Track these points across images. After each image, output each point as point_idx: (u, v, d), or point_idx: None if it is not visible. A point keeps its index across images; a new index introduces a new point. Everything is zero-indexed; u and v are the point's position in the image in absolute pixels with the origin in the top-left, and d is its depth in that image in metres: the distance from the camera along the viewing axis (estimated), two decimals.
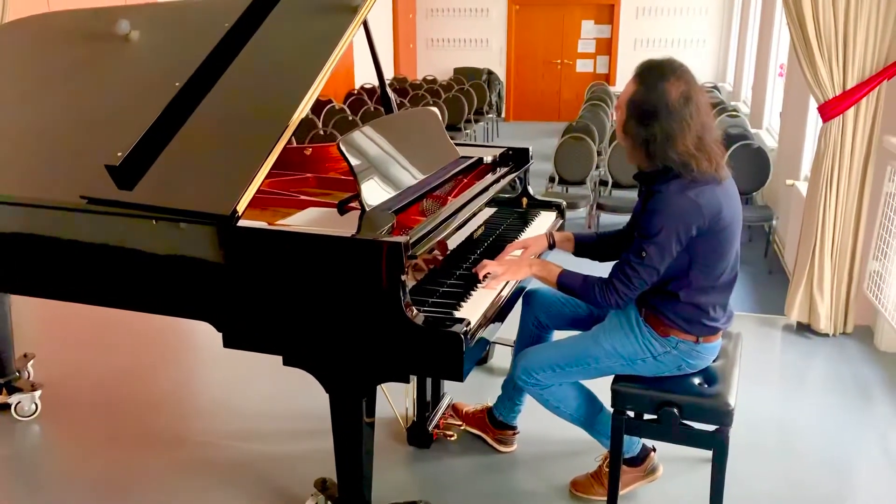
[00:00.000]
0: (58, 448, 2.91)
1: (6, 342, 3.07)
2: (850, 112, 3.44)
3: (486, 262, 2.26)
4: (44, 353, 3.48)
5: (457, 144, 2.84)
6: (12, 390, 3.07)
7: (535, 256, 2.45)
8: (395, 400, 2.75)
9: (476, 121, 9.37)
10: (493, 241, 2.63)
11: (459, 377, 1.86)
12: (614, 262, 2.19)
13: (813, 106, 4.08)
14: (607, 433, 2.31)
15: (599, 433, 2.43)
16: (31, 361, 3.31)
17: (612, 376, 2.28)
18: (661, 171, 2.07)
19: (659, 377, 2.24)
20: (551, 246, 2.49)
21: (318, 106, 7.51)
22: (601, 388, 2.38)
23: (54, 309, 3.98)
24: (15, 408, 3.05)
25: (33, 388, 3.08)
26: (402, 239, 1.83)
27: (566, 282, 2.22)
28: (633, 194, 5.34)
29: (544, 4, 11.70)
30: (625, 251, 2.13)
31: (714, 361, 2.30)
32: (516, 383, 2.41)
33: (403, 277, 1.84)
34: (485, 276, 2.24)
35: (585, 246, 2.51)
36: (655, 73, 2.03)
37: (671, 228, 2.01)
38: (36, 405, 3.07)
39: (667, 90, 1.99)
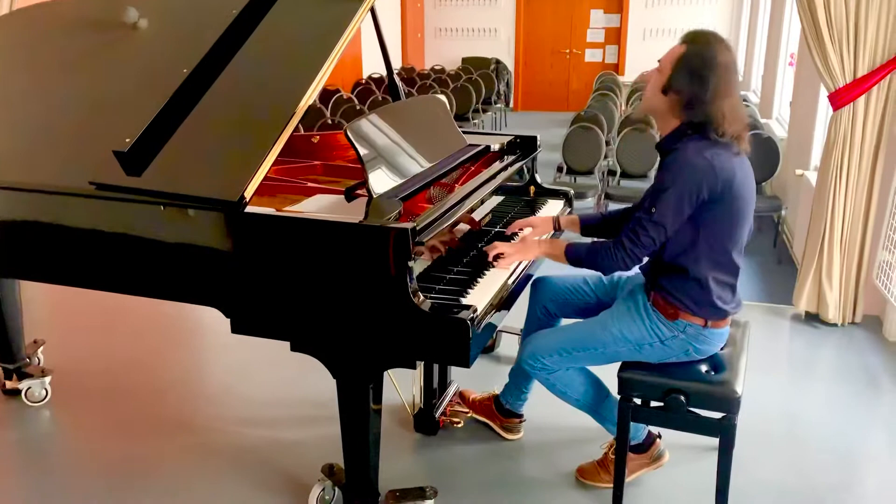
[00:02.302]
0: (67, 433, 2.94)
1: (16, 328, 3.10)
2: (861, 100, 3.42)
3: (496, 243, 2.28)
4: (54, 340, 3.51)
5: (464, 132, 2.84)
6: (23, 376, 3.10)
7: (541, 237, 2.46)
8: (402, 387, 2.76)
9: (484, 111, 9.34)
10: (500, 229, 2.63)
11: (466, 363, 1.87)
12: None
13: (823, 95, 4.05)
14: (613, 419, 2.32)
15: (605, 419, 2.43)
16: (41, 347, 3.33)
17: (619, 363, 2.28)
18: (682, 132, 2.08)
19: (666, 364, 2.24)
20: (556, 229, 2.52)
21: (325, 95, 7.51)
22: (608, 375, 2.38)
23: (64, 295, 4.03)
24: (25, 393, 3.07)
25: (43, 373, 3.11)
26: (408, 225, 1.83)
27: (574, 252, 2.22)
28: (641, 184, 5.32)
29: None
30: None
31: (722, 349, 2.30)
32: (523, 368, 2.41)
33: (410, 264, 1.84)
34: (495, 258, 2.25)
35: (590, 226, 2.53)
36: (707, 37, 2.07)
37: (683, 185, 2.02)
38: (46, 391, 3.10)
39: (719, 51, 2.03)
